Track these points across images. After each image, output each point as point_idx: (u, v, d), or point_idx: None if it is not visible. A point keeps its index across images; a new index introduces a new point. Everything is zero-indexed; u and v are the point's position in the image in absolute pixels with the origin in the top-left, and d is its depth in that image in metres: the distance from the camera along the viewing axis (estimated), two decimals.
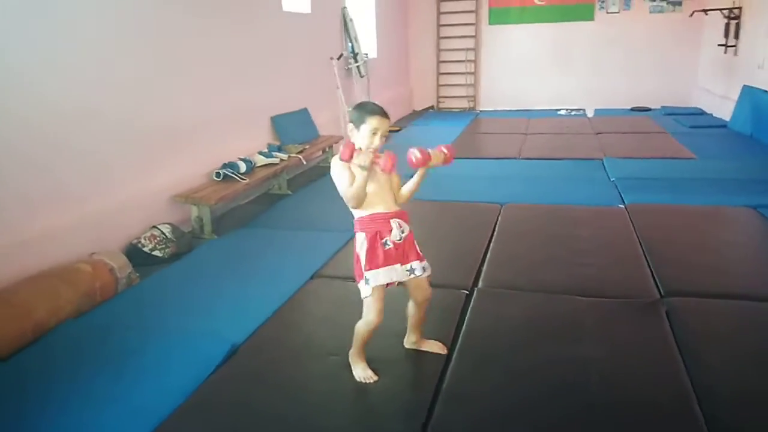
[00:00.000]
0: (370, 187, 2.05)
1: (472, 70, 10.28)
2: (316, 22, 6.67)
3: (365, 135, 2.02)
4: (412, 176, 2.14)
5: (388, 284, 2.09)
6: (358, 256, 2.09)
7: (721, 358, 2.25)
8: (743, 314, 2.60)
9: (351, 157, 1.95)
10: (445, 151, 2.08)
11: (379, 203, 2.07)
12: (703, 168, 5.26)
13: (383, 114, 2.05)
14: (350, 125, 2.08)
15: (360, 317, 2.14)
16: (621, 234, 3.63)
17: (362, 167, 1.96)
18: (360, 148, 1.99)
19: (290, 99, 5.95)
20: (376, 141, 2.03)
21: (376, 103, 2.15)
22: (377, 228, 2.06)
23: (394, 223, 2.07)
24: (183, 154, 4.22)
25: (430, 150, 2.06)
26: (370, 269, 2.05)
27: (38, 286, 2.76)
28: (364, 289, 2.08)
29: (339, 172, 2.05)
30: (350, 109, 2.10)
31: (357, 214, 2.11)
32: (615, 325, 2.52)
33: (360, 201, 2.04)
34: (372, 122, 2.02)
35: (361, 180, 1.99)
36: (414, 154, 2.03)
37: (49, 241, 3.07)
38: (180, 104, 4.22)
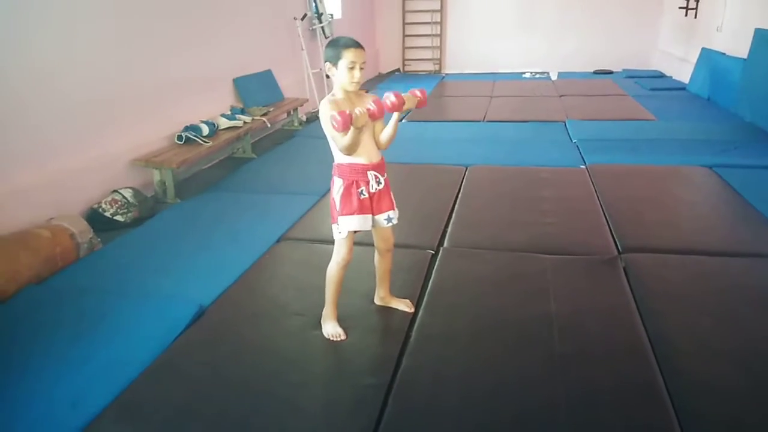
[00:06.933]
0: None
1: (438, 33, 10.20)
2: None
3: (343, 71, 1.99)
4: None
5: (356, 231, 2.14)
6: (333, 200, 2.12)
7: (673, 309, 2.36)
8: (695, 268, 2.72)
9: (349, 124, 1.87)
10: (419, 94, 2.08)
11: (362, 153, 2.05)
12: (662, 129, 5.39)
13: (358, 45, 2.00)
14: (327, 64, 2.05)
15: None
16: (582, 193, 3.71)
17: (360, 127, 1.90)
18: (355, 113, 1.88)
19: (253, 61, 5.82)
20: (356, 74, 1.99)
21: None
22: (355, 177, 2.08)
23: (371, 174, 2.08)
24: (144, 116, 4.11)
25: (403, 94, 2.06)
26: (343, 215, 2.09)
27: None
28: (337, 231, 2.13)
29: (328, 116, 1.93)
30: (325, 48, 2.03)
31: (338, 159, 2.10)
32: (575, 281, 2.61)
33: (353, 151, 2.01)
34: (348, 56, 1.98)
35: (353, 137, 1.92)
36: (389, 98, 2.00)
37: (1, 206, 2.97)
38: (141, 65, 4.08)
